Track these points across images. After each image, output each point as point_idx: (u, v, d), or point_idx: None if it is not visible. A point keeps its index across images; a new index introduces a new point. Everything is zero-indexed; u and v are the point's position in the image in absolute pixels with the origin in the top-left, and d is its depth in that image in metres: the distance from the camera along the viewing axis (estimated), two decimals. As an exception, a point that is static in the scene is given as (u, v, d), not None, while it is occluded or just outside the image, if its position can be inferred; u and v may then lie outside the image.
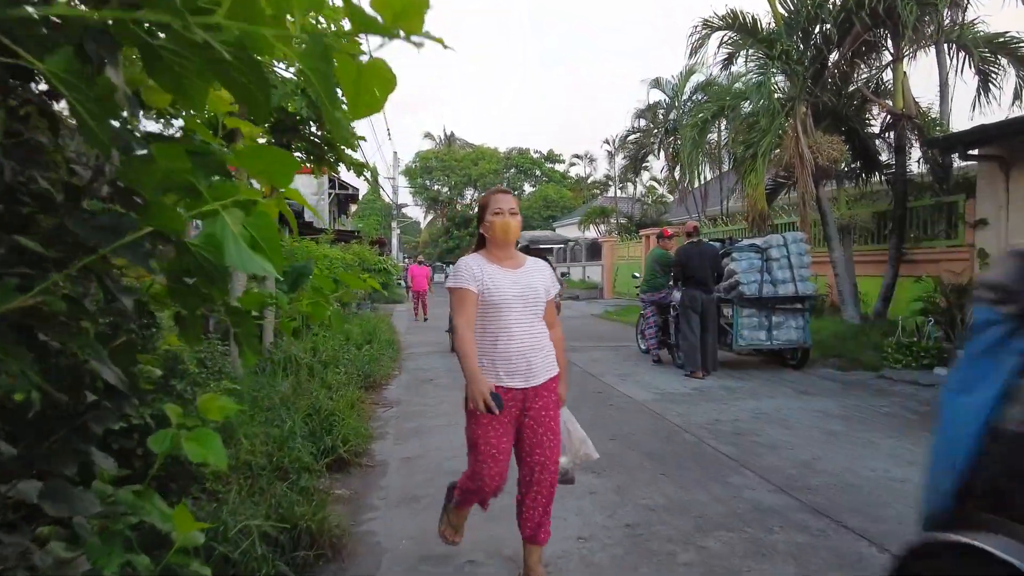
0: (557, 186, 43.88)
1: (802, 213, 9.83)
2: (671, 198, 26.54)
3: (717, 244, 8.14)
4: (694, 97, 17.56)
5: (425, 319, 14.66)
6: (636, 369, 7.89)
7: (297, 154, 7.07)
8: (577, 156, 41.60)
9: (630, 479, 3.86)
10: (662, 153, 18.88)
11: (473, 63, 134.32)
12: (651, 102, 18.42)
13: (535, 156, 49.94)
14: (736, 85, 11.85)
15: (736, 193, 12.21)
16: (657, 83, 17.54)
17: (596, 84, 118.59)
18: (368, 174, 7.00)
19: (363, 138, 6.31)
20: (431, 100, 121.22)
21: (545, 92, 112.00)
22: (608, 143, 29.76)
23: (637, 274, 10.37)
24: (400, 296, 20.65)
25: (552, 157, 50.27)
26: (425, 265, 15.55)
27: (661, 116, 18.27)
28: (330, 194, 23.86)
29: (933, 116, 10.65)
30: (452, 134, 53.27)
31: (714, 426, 5.09)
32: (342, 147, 6.70)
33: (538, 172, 49.52)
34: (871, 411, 5.62)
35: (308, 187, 23.53)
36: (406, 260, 38.04)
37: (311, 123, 6.32)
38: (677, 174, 18.69)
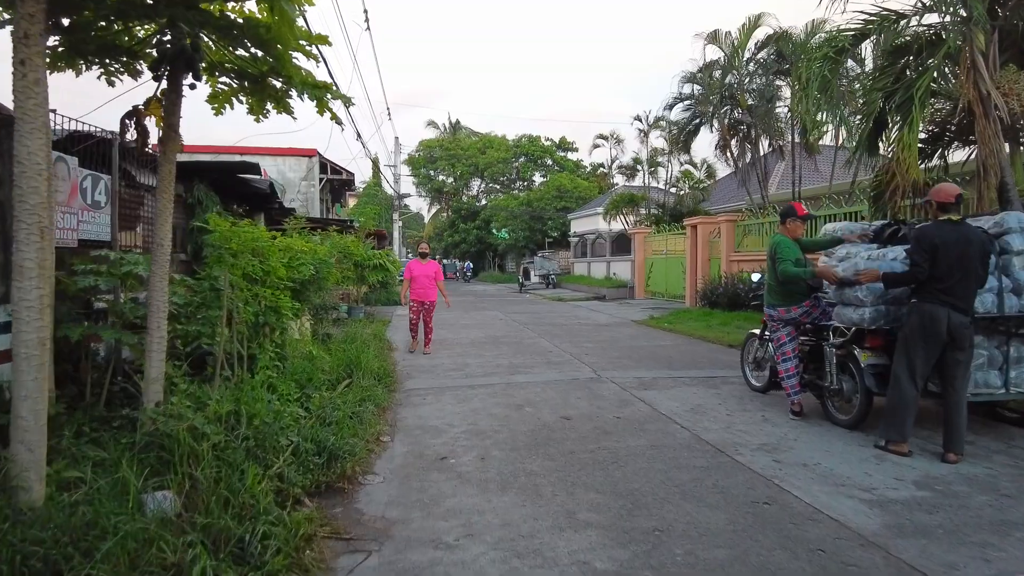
0: (571, 175, 40.38)
1: (980, 186, 6.79)
2: (708, 182, 23.44)
3: (980, 226, 4.42)
4: (759, 56, 14.42)
5: (426, 351, 8.85)
6: (778, 432, 4.86)
7: (223, 80, 4.15)
8: (602, 136, 37.60)
9: None
10: (715, 124, 15.72)
11: (482, 46, 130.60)
12: (707, 60, 15.26)
13: (546, 144, 46.74)
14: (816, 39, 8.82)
15: (856, 163, 9.13)
16: (714, 37, 14.38)
17: (609, 71, 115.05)
18: (334, 103, 4.00)
19: (327, 40, 3.05)
20: (437, 91, 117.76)
21: (558, 76, 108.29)
22: (640, 120, 26.40)
23: (758, 275, 7.36)
24: (398, 296, 17.58)
25: (565, 145, 47.07)
26: (432, 260, 9.16)
27: (717, 78, 15.14)
28: (321, 179, 20.84)
29: None
30: (457, 122, 50.24)
31: None
32: (287, 53, 3.72)
33: (550, 161, 46.29)
34: None
35: (296, 171, 20.59)
36: (408, 256, 34.85)
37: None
38: (734, 148, 15.58)
